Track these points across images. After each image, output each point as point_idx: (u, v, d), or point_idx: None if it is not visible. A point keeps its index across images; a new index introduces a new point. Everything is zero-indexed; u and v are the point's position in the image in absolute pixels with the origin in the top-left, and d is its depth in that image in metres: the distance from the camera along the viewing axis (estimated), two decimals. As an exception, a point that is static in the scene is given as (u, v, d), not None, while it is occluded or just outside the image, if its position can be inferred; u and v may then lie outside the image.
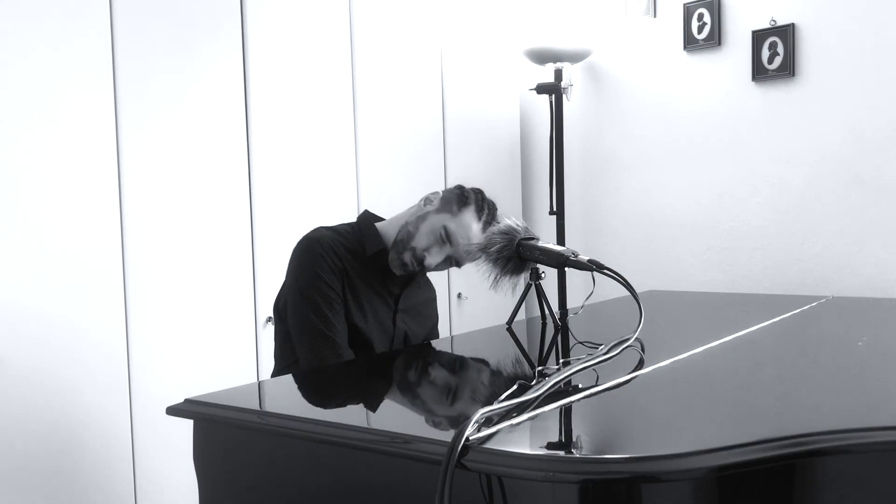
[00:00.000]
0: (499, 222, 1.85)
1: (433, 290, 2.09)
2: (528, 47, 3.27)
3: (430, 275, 2.05)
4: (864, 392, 1.30)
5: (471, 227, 1.87)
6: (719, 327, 2.04)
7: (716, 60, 3.17)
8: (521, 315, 1.96)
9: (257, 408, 1.38)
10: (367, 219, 1.97)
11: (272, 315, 1.95)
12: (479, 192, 1.93)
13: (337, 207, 2.74)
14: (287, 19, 2.64)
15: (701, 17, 3.17)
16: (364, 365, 1.75)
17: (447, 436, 0.96)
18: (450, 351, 1.96)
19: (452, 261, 1.91)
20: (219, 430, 1.28)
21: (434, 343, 2.06)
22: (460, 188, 1.94)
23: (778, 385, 1.37)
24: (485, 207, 1.91)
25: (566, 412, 1.15)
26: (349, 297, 1.83)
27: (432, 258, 1.87)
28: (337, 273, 1.82)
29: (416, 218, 1.90)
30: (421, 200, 1.95)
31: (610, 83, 3.47)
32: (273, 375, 1.92)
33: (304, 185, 2.67)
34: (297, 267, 1.84)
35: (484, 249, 1.84)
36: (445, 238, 1.87)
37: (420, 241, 1.86)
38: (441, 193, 1.94)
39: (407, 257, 1.87)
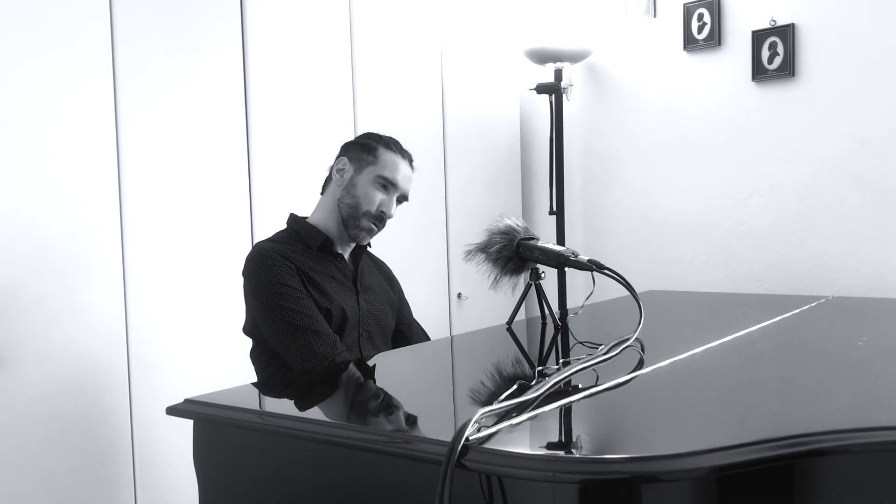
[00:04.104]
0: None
1: (388, 266, 2.16)
2: (528, 47, 3.27)
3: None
4: (864, 392, 1.29)
5: (395, 161, 1.94)
6: (719, 327, 2.04)
7: (716, 60, 3.17)
8: (521, 315, 1.96)
9: (257, 408, 1.38)
10: (297, 220, 2.02)
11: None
12: (372, 133, 2.00)
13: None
14: (287, 19, 2.64)
15: (701, 17, 3.17)
16: (364, 365, 1.75)
17: (447, 436, 0.96)
18: (450, 351, 1.96)
19: (402, 199, 1.98)
20: (219, 430, 1.28)
21: (434, 343, 2.06)
22: (356, 141, 2.00)
23: (778, 385, 1.37)
24: (387, 139, 1.98)
25: (566, 412, 1.15)
26: (311, 291, 1.86)
27: (387, 208, 1.94)
28: (293, 273, 1.85)
29: (345, 189, 1.94)
30: (331, 172, 1.99)
31: (610, 83, 3.47)
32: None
33: (304, 186, 2.66)
34: (255, 283, 1.87)
35: (484, 249, 1.85)
36: (387, 184, 1.93)
37: (367, 202, 1.92)
38: (344, 157, 1.97)
39: (365, 223, 1.92)
